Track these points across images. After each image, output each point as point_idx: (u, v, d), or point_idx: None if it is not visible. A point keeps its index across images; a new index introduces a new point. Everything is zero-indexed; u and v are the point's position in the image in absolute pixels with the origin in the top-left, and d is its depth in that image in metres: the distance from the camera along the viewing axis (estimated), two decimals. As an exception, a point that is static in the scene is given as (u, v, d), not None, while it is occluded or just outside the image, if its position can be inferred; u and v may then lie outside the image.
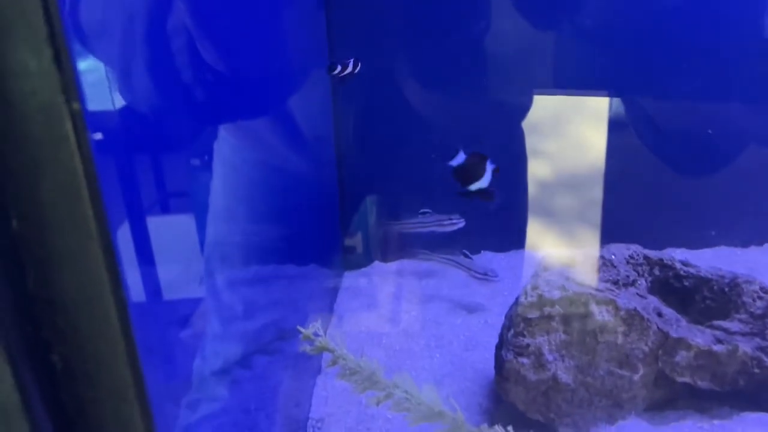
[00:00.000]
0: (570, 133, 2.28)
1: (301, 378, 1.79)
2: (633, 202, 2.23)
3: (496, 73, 2.28)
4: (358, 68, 1.77)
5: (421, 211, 2.19)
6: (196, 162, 0.94)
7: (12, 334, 0.51)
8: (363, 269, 2.45)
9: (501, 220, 2.16)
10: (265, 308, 1.58)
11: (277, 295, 1.72)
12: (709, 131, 2.28)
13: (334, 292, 2.30)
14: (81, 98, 0.45)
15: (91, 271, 0.55)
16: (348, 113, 2.37)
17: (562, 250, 2.19)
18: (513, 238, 2.32)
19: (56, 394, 0.57)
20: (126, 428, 0.62)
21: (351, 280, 2.38)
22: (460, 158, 1.05)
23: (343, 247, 2.50)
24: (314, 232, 2.11)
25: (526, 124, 2.20)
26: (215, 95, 1.10)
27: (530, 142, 2.25)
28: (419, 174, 2.38)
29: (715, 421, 1.46)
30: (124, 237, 0.72)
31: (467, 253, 2.24)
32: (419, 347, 1.91)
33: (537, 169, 2.29)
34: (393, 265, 2.47)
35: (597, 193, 2.26)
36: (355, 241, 2.50)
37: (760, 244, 2.36)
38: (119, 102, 0.85)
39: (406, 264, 2.46)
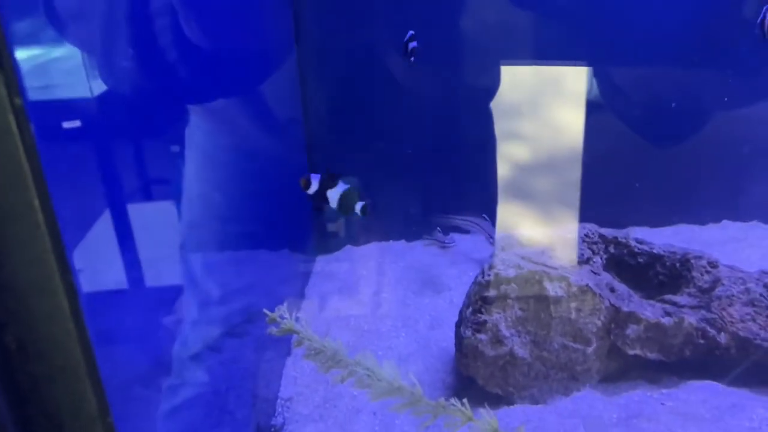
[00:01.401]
0: (534, 112, 2.33)
1: (271, 359, 1.84)
2: (595, 182, 2.29)
3: (464, 52, 2.32)
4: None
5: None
6: (153, 147, 0.97)
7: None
8: (335, 253, 2.50)
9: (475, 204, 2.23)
10: (235, 292, 1.62)
11: (248, 279, 1.76)
12: (672, 104, 2.32)
13: (306, 276, 2.34)
14: (22, 93, 0.49)
15: (39, 256, 0.59)
16: (317, 96, 2.39)
17: (528, 230, 2.26)
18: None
19: (11, 373, 0.61)
20: (78, 404, 0.67)
21: (323, 264, 2.43)
22: (314, 186, 1.05)
23: (315, 231, 2.55)
24: (286, 217, 2.15)
25: (495, 101, 2.24)
26: (186, 80, 1.12)
27: (500, 119, 2.31)
28: (389, 155, 2.43)
29: (663, 390, 1.53)
30: (75, 224, 0.76)
31: (486, 216, 2.28)
32: (387, 327, 1.96)
33: (507, 147, 2.35)
34: (364, 249, 2.52)
35: (568, 173, 2.32)
36: (327, 225, 2.55)
37: (718, 221, 2.44)
38: (76, 89, 0.89)
39: (377, 247, 2.52)
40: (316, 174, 1.02)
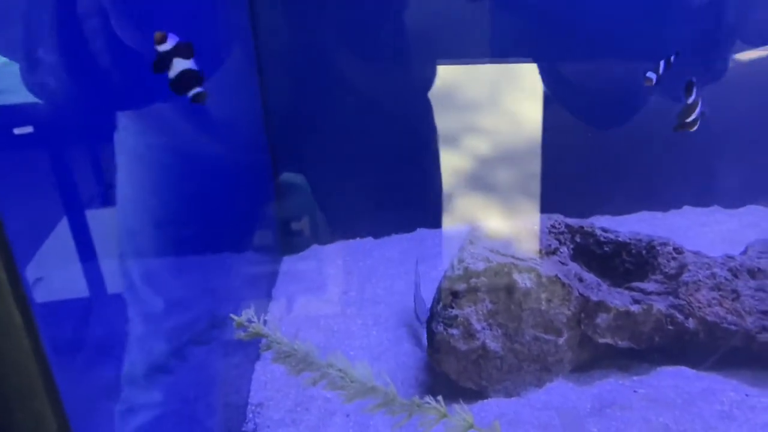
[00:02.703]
0: (493, 105, 2.33)
1: (239, 365, 1.80)
2: (557, 173, 2.30)
3: (416, 50, 2.30)
4: None
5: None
6: (95, 153, 0.92)
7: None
8: (301, 253, 2.47)
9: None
10: (197, 298, 1.58)
11: (210, 283, 1.72)
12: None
13: (273, 277, 2.30)
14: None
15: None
16: (278, 94, 2.35)
17: (493, 223, 2.26)
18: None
19: None
20: (38, 422, 0.63)
21: (289, 264, 2.39)
22: (167, 46, 0.94)
23: (280, 231, 2.51)
24: (247, 218, 2.11)
25: (447, 98, 2.25)
26: (114, 79, 1.06)
27: (458, 115, 2.31)
28: (354, 152, 2.41)
29: (635, 377, 1.54)
30: (22, 236, 0.72)
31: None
32: (357, 327, 1.94)
33: (468, 143, 2.34)
34: (331, 247, 2.49)
35: (527, 166, 2.33)
36: (292, 225, 2.51)
37: (679, 207, 2.47)
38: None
39: (344, 245, 2.49)
40: (176, 37, 0.93)
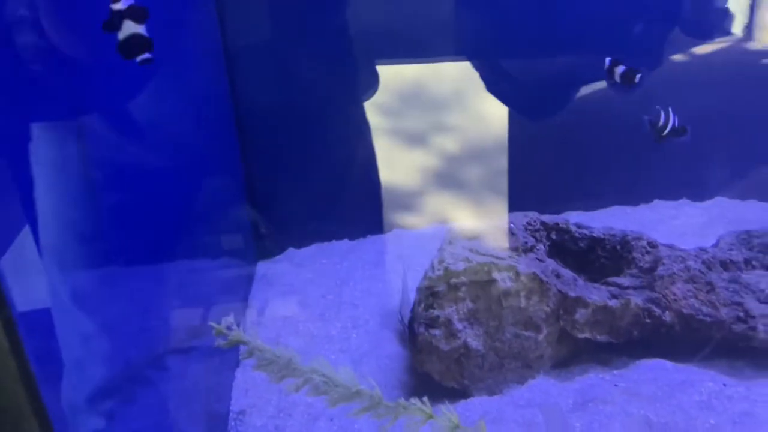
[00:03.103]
0: (450, 105, 2.37)
1: (219, 373, 1.78)
2: (527, 170, 2.33)
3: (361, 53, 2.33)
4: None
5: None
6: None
7: None
8: (277, 257, 2.45)
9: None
10: (171, 308, 1.55)
11: (184, 292, 1.69)
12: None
13: (248, 282, 2.28)
14: None
15: None
16: (249, 97, 2.33)
17: (463, 221, 2.28)
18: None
19: None
20: None
21: (265, 269, 2.37)
22: (120, 5, 0.89)
23: (255, 236, 2.48)
24: (219, 223, 2.08)
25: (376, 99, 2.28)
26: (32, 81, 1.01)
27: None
28: (326, 154, 2.40)
29: (615, 371, 1.56)
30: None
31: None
32: (337, 330, 1.93)
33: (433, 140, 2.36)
34: (307, 251, 2.47)
35: (494, 162, 2.36)
36: (267, 229, 2.49)
37: (649, 201, 2.51)
38: None
39: (320, 248, 2.48)
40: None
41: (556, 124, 2.45)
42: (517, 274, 1.58)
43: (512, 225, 1.77)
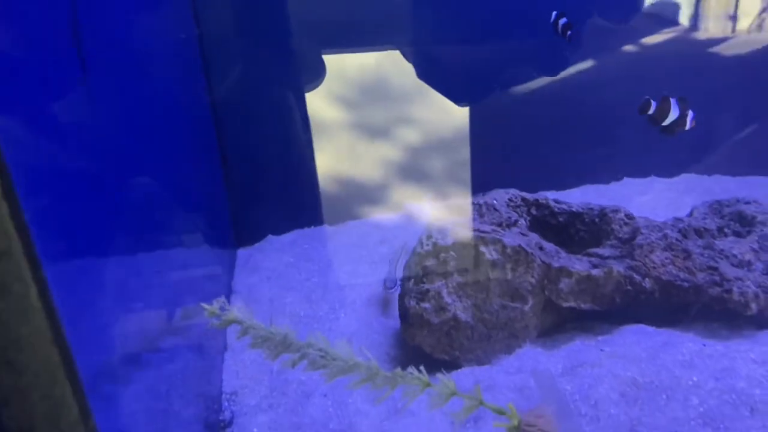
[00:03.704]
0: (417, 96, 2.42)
1: (207, 357, 1.78)
2: (500, 151, 2.39)
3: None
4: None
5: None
6: None
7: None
8: (257, 244, 2.45)
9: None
10: (156, 295, 1.55)
11: (166, 280, 1.69)
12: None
13: (231, 269, 2.28)
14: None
15: (7, 249, 0.54)
16: (225, 85, 2.33)
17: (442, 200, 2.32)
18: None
19: None
20: (57, 411, 0.61)
21: (246, 256, 2.37)
22: None
23: (233, 224, 2.48)
24: (199, 213, 2.07)
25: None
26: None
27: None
28: (303, 139, 2.42)
29: (599, 338, 1.62)
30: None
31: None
32: (324, 311, 1.95)
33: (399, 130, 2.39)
34: (287, 237, 2.48)
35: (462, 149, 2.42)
36: (245, 217, 2.49)
37: (619, 179, 2.60)
38: None
39: (300, 234, 2.49)
40: None
41: (524, 107, 2.52)
42: (504, 247, 1.62)
43: (494, 201, 1.81)
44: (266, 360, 1.48)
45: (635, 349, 1.51)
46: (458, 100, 2.47)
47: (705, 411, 1.32)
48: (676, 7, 2.55)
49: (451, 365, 1.62)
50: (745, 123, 2.63)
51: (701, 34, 2.57)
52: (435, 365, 1.61)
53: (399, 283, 1.80)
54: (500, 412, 1.34)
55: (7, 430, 0.58)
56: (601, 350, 1.54)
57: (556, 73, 2.48)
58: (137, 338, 1.41)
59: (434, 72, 2.45)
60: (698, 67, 2.55)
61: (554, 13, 2.09)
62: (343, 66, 2.40)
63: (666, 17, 2.57)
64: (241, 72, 2.35)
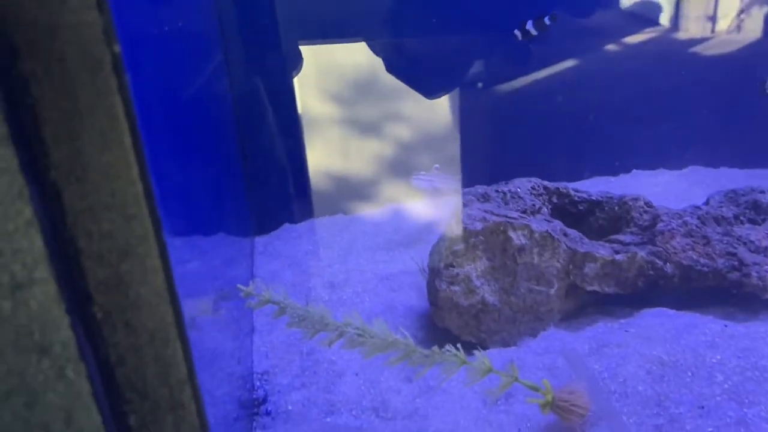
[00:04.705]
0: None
1: (236, 338, 1.82)
2: (511, 144, 2.45)
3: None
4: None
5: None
6: None
7: (65, 286, 0.53)
8: (273, 232, 2.49)
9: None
10: (188, 277, 1.59)
11: (196, 263, 1.72)
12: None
13: (250, 257, 2.31)
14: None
15: (135, 214, 0.58)
16: (245, 74, 2.37)
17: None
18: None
19: (96, 347, 0.58)
20: (167, 369, 0.64)
21: (264, 244, 2.41)
22: None
23: (251, 212, 2.51)
24: (218, 201, 2.11)
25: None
26: None
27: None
28: (323, 130, 2.45)
29: (621, 320, 1.68)
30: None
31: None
32: (348, 295, 1.99)
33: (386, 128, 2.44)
34: (303, 225, 2.52)
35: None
36: (263, 205, 2.52)
37: (628, 171, 2.66)
38: None
39: (317, 222, 2.53)
40: None
41: (538, 101, 2.57)
42: (531, 232, 1.67)
43: (518, 189, 1.86)
44: (302, 339, 1.53)
45: (659, 330, 1.57)
46: (428, 93, 2.53)
47: (729, 387, 1.38)
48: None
49: (479, 347, 1.67)
50: (735, 119, 2.71)
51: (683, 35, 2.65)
52: (463, 346, 1.65)
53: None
54: (535, 389, 1.40)
55: (119, 387, 0.61)
56: (626, 331, 1.59)
57: (530, 68, 2.55)
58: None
59: (402, 65, 2.49)
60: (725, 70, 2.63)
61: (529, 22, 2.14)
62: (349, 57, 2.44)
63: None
64: (256, 66, 2.39)
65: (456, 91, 2.53)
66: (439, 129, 2.56)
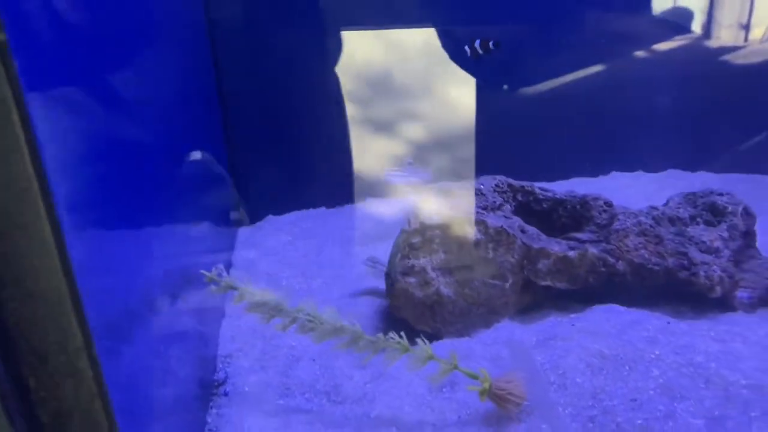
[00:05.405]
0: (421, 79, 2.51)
1: (206, 322, 1.89)
2: (492, 143, 2.49)
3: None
4: None
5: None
6: None
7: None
8: (257, 223, 2.56)
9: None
10: (162, 262, 1.65)
11: (171, 252, 1.79)
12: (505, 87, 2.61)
13: (230, 246, 2.39)
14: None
15: (19, 180, 0.63)
16: (232, 65, 2.43)
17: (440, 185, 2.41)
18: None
19: None
20: (64, 337, 0.70)
21: (246, 234, 2.49)
22: None
23: (235, 204, 2.59)
24: (202, 192, 2.18)
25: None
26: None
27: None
28: (306, 124, 2.52)
29: (572, 315, 1.72)
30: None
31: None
32: (317, 285, 2.06)
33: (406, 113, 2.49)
34: (286, 217, 2.59)
35: (458, 137, 2.51)
36: (246, 197, 2.60)
37: (607, 173, 2.69)
38: None
39: (299, 215, 2.60)
40: None
41: (519, 100, 2.62)
42: (486, 227, 1.72)
43: (481, 186, 1.91)
44: (261, 323, 1.60)
45: (604, 326, 1.61)
46: (490, 84, 2.57)
47: (664, 382, 1.42)
48: (690, 15, 2.65)
49: (433, 337, 1.72)
50: (742, 128, 2.72)
51: (713, 42, 2.66)
52: (418, 336, 1.71)
53: (380, 262, 1.93)
54: (473, 377, 1.45)
55: (24, 355, 0.67)
56: (573, 325, 1.64)
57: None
58: (141, 299, 1.52)
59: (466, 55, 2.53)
60: (705, 74, 2.65)
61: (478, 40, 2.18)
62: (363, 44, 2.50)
63: (678, 24, 2.67)
64: (247, 53, 2.45)
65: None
66: (430, 124, 2.59)
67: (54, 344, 0.69)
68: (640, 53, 2.65)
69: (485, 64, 2.39)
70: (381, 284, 2.00)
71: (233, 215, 2.59)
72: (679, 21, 2.65)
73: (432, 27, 2.46)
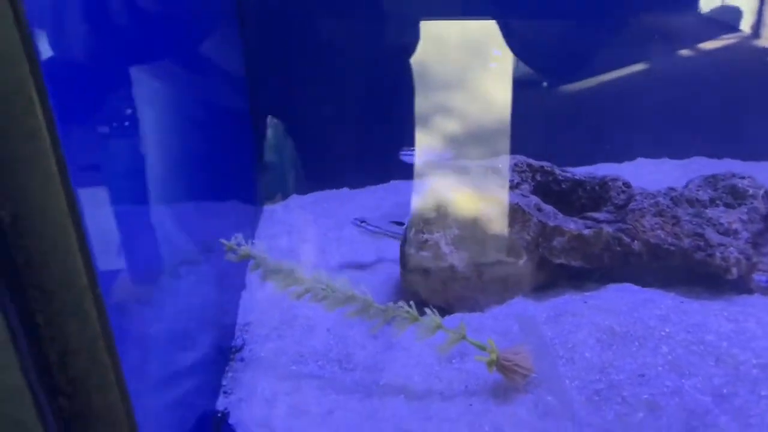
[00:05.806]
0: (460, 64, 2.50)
1: (226, 292, 1.94)
2: (519, 128, 2.49)
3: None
4: None
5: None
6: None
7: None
8: (281, 202, 2.61)
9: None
10: (189, 234, 1.71)
11: (199, 226, 1.85)
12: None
13: (255, 222, 2.44)
14: None
15: (33, 130, 0.67)
16: (259, 48, 2.48)
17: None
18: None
19: (6, 248, 0.67)
20: (70, 276, 0.73)
21: (270, 211, 2.54)
22: None
23: (261, 182, 2.64)
24: (229, 169, 2.23)
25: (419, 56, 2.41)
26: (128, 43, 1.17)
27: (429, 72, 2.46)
28: (332, 105, 2.55)
29: (586, 293, 1.72)
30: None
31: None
32: (335, 260, 2.09)
33: (440, 97, 2.50)
34: (310, 197, 2.63)
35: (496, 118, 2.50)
36: (272, 176, 2.65)
37: (633, 159, 2.67)
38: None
39: (322, 195, 2.64)
40: None
41: (556, 92, 2.61)
42: (502, 204, 1.73)
43: (500, 165, 1.92)
44: (276, 291, 1.64)
45: (617, 303, 1.61)
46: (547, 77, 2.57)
47: (673, 359, 1.41)
48: (738, 14, 2.61)
49: (446, 311, 1.74)
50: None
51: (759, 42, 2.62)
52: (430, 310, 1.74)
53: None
54: (481, 347, 1.47)
55: (28, 287, 0.71)
56: (585, 302, 1.64)
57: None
58: (163, 267, 1.58)
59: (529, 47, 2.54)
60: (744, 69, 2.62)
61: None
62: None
63: (724, 22, 2.64)
64: (278, 33, 2.50)
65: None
66: (463, 113, 2.60)
67: (60, 283, 0.72)
68: (682, 50, 2.63)
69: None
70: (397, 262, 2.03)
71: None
72: (725, 19, 2.62)
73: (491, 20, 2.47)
